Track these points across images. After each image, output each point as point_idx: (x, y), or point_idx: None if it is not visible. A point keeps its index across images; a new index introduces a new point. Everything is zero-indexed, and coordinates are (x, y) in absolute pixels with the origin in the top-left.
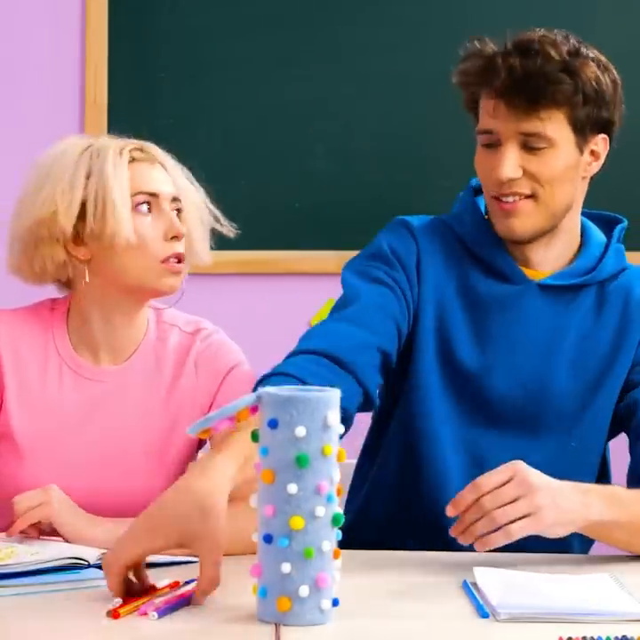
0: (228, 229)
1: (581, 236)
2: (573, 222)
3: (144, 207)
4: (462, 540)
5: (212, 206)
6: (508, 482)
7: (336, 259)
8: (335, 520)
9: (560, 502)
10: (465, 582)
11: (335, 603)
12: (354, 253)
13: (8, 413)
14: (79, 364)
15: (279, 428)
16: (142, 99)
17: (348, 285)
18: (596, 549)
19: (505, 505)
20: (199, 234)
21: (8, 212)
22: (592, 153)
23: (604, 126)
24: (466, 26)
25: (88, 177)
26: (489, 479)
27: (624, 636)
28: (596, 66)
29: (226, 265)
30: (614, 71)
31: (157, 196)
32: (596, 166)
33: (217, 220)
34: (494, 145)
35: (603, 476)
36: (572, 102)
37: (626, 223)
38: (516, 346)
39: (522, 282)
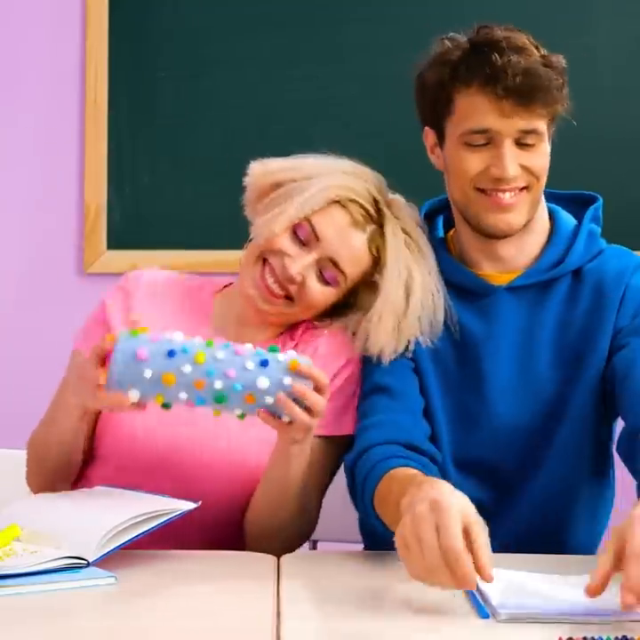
0: None
1: (551, 224)
2: (540, 212)
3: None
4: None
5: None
6: None
7: None
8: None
9: None
10: None
11: None
12: None
13: None
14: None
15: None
16: (142, 99)
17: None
18: None
19: None
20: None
21: (7, 210)
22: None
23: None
24: (466, 26)
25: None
26: None
27: (624, 636)
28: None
29: (226, 265)
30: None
31: (320, 239)
32: None
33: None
34: (483, 144)
35: (601, 456)
36: (561, 97)
37: (600, 202)
38: (500, 353)
39: (489, 291)
